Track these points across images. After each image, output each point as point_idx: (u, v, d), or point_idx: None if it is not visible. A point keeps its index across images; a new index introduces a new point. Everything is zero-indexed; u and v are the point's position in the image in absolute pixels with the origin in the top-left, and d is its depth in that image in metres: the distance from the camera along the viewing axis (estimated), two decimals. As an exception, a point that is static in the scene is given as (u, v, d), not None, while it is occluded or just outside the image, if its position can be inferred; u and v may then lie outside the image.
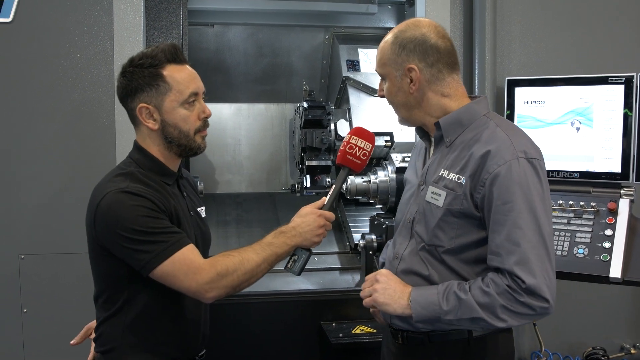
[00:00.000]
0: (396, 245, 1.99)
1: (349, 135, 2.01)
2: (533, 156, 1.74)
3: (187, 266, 1.74)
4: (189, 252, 1.76)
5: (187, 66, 1.91)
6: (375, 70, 1.94)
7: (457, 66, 1.89)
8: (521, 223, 1.67)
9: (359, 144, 1.98)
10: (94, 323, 2.03)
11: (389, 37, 1.89)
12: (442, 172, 1.84)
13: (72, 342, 2.12)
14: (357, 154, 1.98)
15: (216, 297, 1.78)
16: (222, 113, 4.23)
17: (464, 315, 1.71)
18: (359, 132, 2.01)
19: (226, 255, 1.80)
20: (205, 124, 1.94)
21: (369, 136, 2.01)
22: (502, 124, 1.83)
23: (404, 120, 1.96)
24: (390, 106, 1.96)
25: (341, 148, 2.01)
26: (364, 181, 3.51)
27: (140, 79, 1.84)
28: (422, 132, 1.99)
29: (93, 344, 2.01)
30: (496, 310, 1.68)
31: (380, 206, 3.66)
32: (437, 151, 1.91)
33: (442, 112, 1.86)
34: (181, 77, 1.86)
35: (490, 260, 1.74)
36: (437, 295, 1.75)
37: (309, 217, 1.91)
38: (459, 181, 1.78)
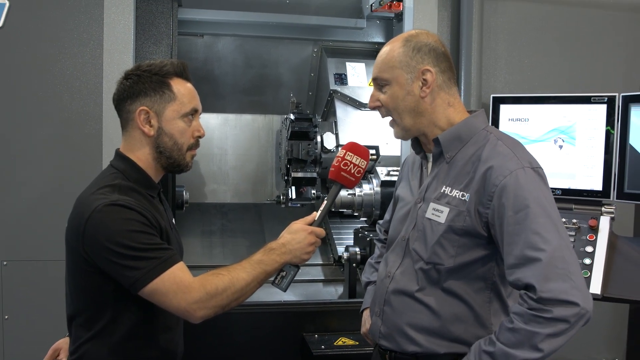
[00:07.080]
0: (388, 263, 1.93)
1: (344, 151, 1.92)
2: (537, 166, 1.71)
3: (177, 285, 1.69)
4: (179, 271, 1.71)
5: (191, 84, 1.92)
6: (375, 77, 1.86)
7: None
8: (538, 228, 1.59)
9: (354, 160, 1.90)
10: (60, 344, 1.98)
11: (396, 42, 1.84)
12: (443, 189, 1.78)
13: None
14: (352, 171, 1.90)
15: (205, 317, 1.73)
16: (209, 123, 4.25)
17: None
18: (354, 148, 1.92)
19: (216, 274, 1.76)
20: (197, 143, 1.93)
21: (364, 152, 1.93)
22: (503, 138, 1.79)
23: (405, 131, 1.86)
24: (388, 117, 1.88)
25: (335, 163, 1.92)
26: (348, 194, 3.53)
27: (146, 83, 1.83)
28: (418, 147, 1.94)
29: None
30: (532, 342, 1.53)
31: (365, 219, 3.69)
32: (435, 167, 1.85)
33: (447, 123, 1.82)
34: (186, 90, 1.87)
35: (510, 275, 1.63)
36: None
37: (300, 234, 1.86)
38: (463, 198, 1.73)
